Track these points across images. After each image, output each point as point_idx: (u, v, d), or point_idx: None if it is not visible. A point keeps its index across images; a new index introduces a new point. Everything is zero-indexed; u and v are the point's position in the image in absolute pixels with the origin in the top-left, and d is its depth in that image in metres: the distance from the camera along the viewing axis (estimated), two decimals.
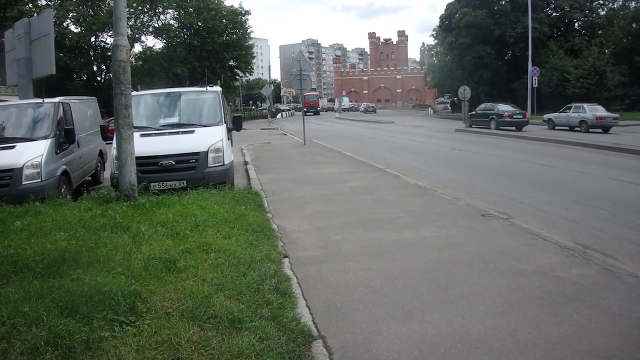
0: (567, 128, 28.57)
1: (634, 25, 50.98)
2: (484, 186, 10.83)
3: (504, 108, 30.39)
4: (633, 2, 58.85)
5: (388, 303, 4.44)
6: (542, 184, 10.96)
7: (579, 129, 27.19)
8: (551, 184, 10.90)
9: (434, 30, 65.57)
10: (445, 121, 44.92)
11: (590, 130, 26.28)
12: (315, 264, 5.53)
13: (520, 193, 9.91)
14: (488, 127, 29.97)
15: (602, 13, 58.64)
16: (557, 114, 30.06)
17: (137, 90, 10.84)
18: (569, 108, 28.86)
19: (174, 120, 10.41)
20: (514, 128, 29.32)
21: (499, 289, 4.70)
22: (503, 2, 56.61)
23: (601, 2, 58.62)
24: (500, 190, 10.32)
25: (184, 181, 9.13)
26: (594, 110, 27.23)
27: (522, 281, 4.89)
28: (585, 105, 28.19)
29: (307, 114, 54.66)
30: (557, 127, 29.43)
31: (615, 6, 59.95)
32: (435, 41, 66.05)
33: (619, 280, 4.90)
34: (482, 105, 33.34)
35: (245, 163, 14.98)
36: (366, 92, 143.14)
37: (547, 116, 31.17)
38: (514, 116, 29.61)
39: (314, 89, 64.37)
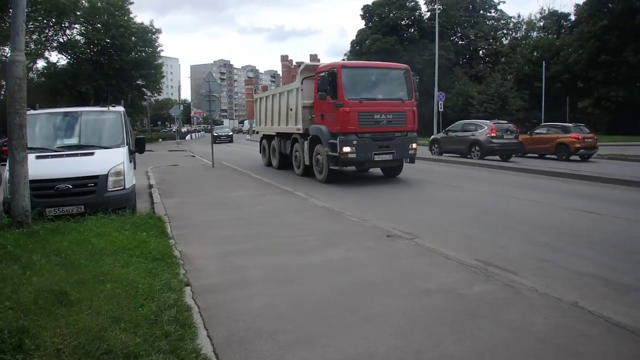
0: None
1: (535, 54, 55.01)
2: (390, 207, 11.04)
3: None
4: (535, 33, 63.57)
5: (293, 329, 4.35)
6: (447, 203, 11.34)
7: None
8: (455, 203, 11.28)
9: (345, 54, 67.44)
10: None
11: None
12: (219, 292, 5.33)
13: (425, 213, 10.18)
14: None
15: (506, 42, 62.78)
16: None
17: (35, 109, 10.28)
18: None
19: (73, 141, 9.93)
20: None
21: (404, 309, 4.73)
22: (412, 30, 59.20)
23: (505, 31, 62.73)
24: (405, 210, 10.57)
25: (82, 206, 8.65)
26: None
27: (426, 300, 4.96)
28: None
29: None
30: None
31: (518, 36, 64.46)
32: None
33: (520, 294, 5.07)
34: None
35: (150, 186, 14.37)
36: None
37: None
38: None
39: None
